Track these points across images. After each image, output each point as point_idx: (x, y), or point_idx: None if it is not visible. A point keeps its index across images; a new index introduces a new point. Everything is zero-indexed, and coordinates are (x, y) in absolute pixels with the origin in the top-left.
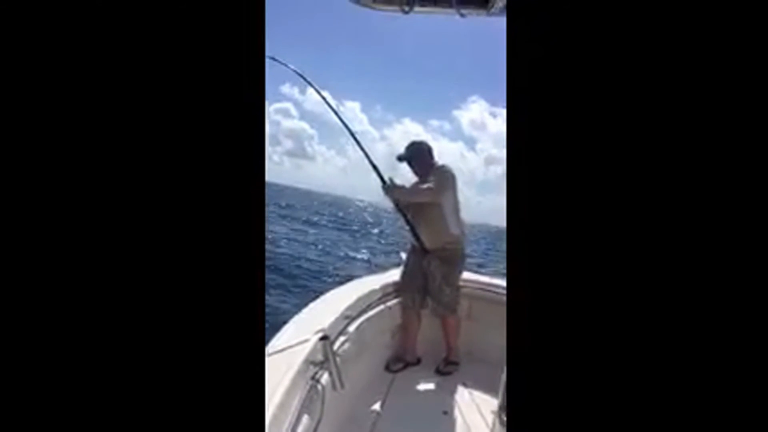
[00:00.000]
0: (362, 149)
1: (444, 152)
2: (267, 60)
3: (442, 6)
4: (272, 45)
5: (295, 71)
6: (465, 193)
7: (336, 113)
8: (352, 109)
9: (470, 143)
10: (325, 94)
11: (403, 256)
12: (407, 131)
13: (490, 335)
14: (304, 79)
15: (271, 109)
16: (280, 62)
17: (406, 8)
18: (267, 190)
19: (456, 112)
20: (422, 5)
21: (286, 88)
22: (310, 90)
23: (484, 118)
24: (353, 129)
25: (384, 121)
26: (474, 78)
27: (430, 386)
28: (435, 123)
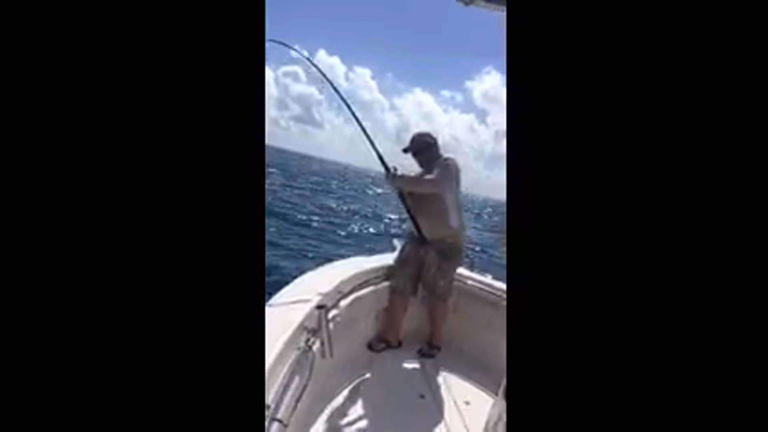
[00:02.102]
0: (370, 140)
1: (455, 124)
2: (276, 44)
3: None
4: (285, 8)
5: (307, 59)
6: (473, 166)
7: (345, 102)
8: (362, 76)
9: (481, 116)
10: (334, 59)
11: (396, 243)
12: (418, 101)
13: (473, 329)
14: (314, 65)
15: (279, 72)
16: (290, 47)
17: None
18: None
19: (469, 83)
20: None
21: (295, 52)
22: (320, 54)
23: (497, 90)
24: (365, 96)
25: (394, 89)
26: (489, 48)
27: (409, 369)
28: (446, 94)
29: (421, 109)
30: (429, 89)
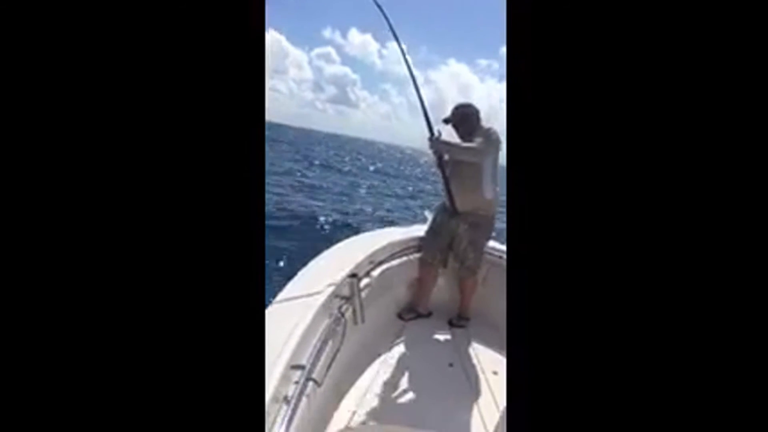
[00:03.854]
0: (420, 97)
1: (492, 95)
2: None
3: None
4: None
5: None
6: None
7: (401, 47)
8: (395, 52)
9: None
10: (367, 36)
11: (428, 214)
12: (453, 72)
13: (501, 301)
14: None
15: (312, 54)
16: None
17: None
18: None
19: (504, 50)
20: None
21: (327, 33)
22: (353, 32)
23: None
24: (398, 72)
25: (429, 63)
26: None
27: (439, 338)
28: (483, 62)
29: (457, 81)
30: (464, 59)
